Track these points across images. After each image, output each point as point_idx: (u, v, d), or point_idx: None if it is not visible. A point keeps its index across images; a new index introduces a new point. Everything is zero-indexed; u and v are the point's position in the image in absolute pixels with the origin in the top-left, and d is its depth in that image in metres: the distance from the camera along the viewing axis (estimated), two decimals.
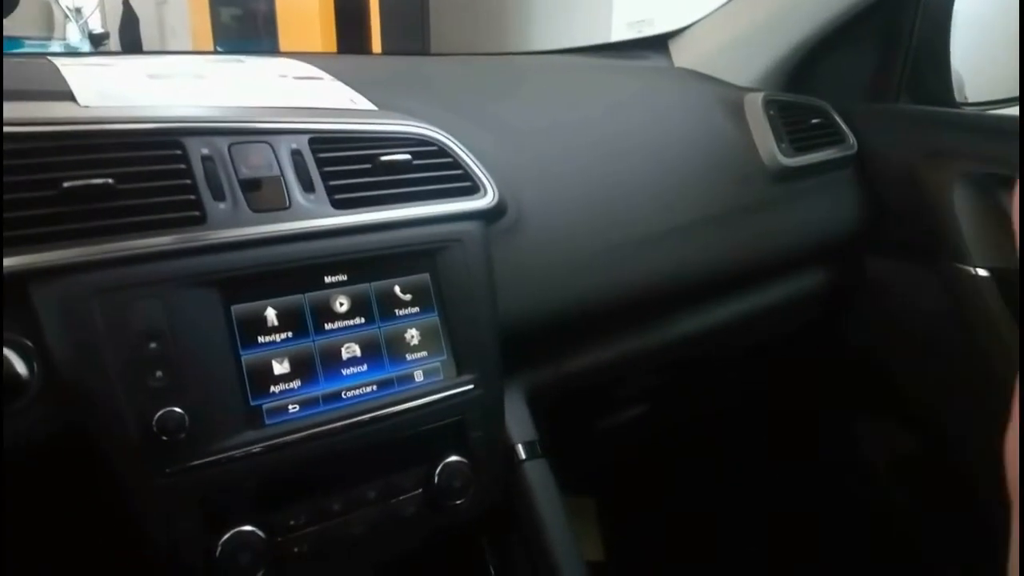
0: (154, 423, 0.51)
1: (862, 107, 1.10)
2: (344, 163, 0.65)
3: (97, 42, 4.67)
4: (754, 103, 0.98)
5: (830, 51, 1.13)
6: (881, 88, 1.13)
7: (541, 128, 0.84)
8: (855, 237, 1.04)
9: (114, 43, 5.11)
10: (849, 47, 1.13)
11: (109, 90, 0.65)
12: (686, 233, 0.84)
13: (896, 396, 1.09)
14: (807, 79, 1.14)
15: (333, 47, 3.81)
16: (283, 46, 4.29)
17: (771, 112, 0.98)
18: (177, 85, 0.71)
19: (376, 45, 3.74)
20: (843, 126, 1.06)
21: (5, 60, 0.90)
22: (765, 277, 0.95)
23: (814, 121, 1.03)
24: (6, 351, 0.45)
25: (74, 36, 4.52)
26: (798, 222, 0.96)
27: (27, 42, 4.19)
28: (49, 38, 4.42)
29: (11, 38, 4.08)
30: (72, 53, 3.50)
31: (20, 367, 0.45)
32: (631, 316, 0.82)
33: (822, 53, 1.13)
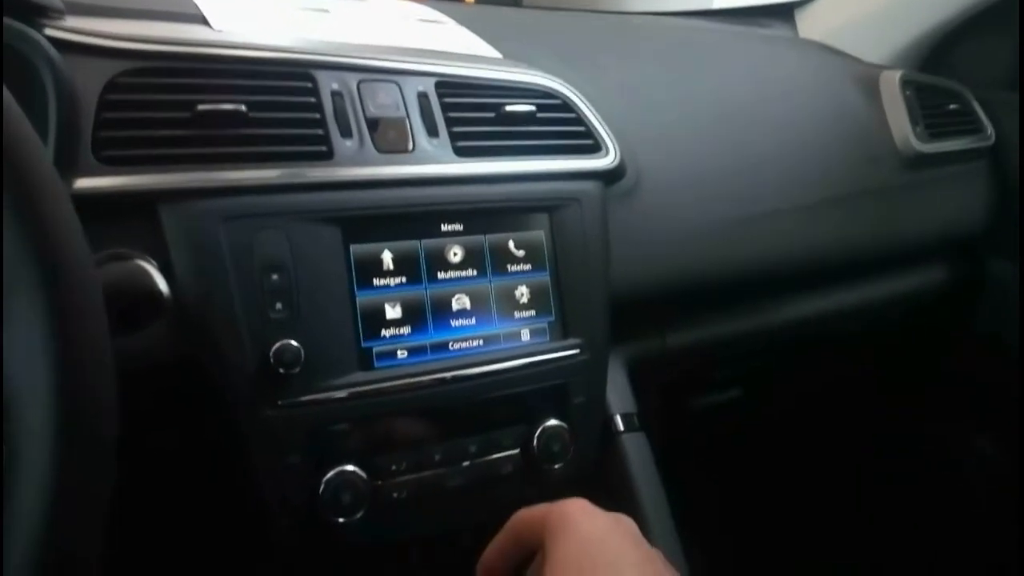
0: (271, 354, 0.51)
1: (1003, 96, 1.02)
2: (468, 110, 0.63)
3: None
4: (891, 82, 0.92)
5: (972, 33, 1.05)
6: None
7: (663, 91, 0.80)
8: (981, 234, 0.98)
9: None
10: (993, 31, 1.04)
11: (239, 15, 0.65)
12: (809, 213, 0.79)
13: (1001, 412, 1.02)
14: (944, 61, 1.07)
15: None
16: None
17: (907, 93, 0.91)
18: (303, 17, 0.70)
19: None
20: (981, 114, 0.99)
21: None
22: (881, 267, 0.90)
23: (952, 107, 0.96)
24: (149, 267, 0.45)
25: None
26: (924, 213, 0.90)
27: None
28: None
29: None
30: None
31: (161, 284, 0.44)
32: (742, 294, 0.78)
33: (963, 35, 1.05)
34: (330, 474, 0.53)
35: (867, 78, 0.94)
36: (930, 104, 0.93)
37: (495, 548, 0.46)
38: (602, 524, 0.41)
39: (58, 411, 0.27)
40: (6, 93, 0.32)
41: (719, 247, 0.74)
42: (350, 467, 0.54)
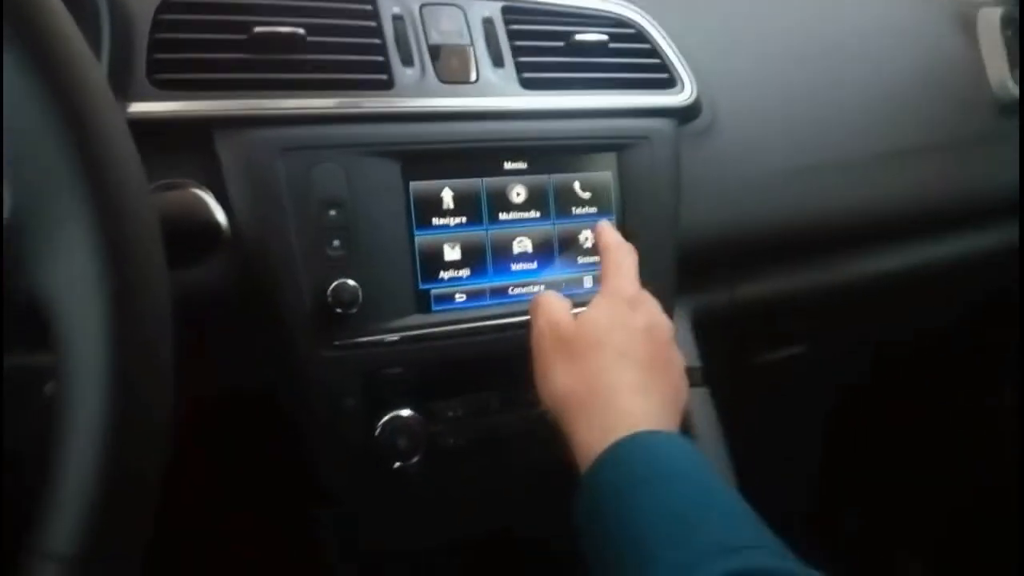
0: (329, 293, 0.49)
1: None
2: (536, 38, 0.59)
3: None
4: (990, 20, 0.84)
5: None
6: None
7: (744, 24, 0.74)
8: None
9: None
10: None
11: None
12: (896, 161, 0.74)
13: None
14: None
15: None
16: None
17: (1008, 33, 0.84)
18: None
19: None
20: None
21: None
22: (968, 222, 0.83)
23: None
24: (207, 196, 0.42)
25: None
26: (1017, 163, 0.83)
27: None
28: None
29: None
30: None
31: (219, 215, 0.42)
32: (817, 246, 0.73)
33: None
34: (386, 418, 0.52)
35: (963, 16, 0.86)
36: None
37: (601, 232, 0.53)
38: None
39: (113, 347, 0.25)
40: (62, 8, 0.29)
41: (796, 195, 0.69)
42: (406, 411, 0.52)
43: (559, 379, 0.45)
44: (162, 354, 0.27)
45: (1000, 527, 0.99)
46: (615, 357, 0.45)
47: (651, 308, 0.49)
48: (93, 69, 0.29)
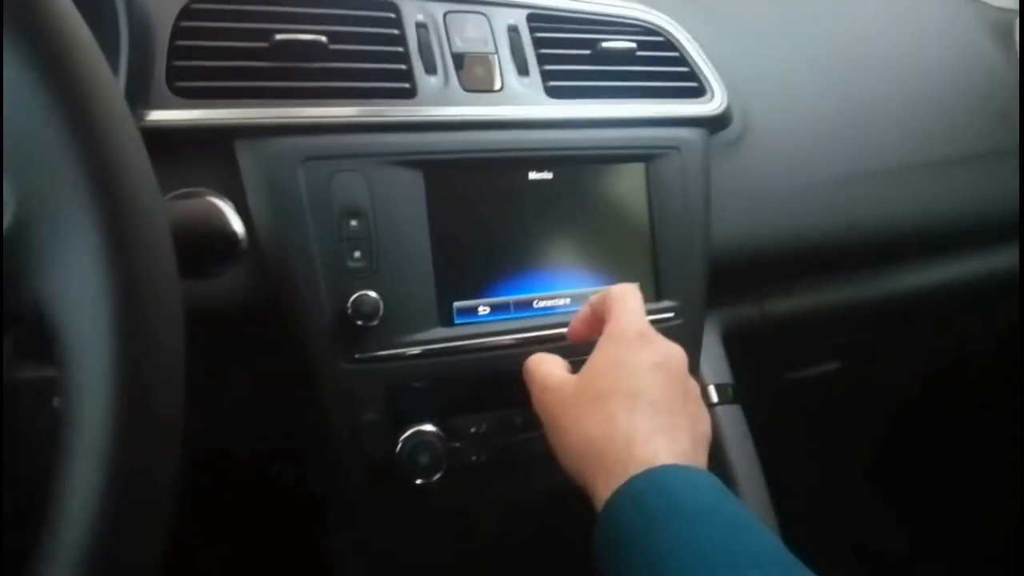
0: (349, 305, 0.47)
1: None
2: (562, 46, 0.58)
3: None
4: None
5: None
6: None
7: (776, 30, 0.73)
8: None
9: None
10: None
11: None
12: (929, 172, 0.71)
13: None
14: None
15: None
16: None
17: None
18: None
19: None
20: None
21: None
22: (1003, 237, 0.80)
23: None
24: (224, 205, 0.41)
25: None
26: None
27: None
28: None
29: None
30: None
31: (236, 225, 0.41)
32: (851, 260, 0.71)
33: None
34: (407, 433, 0.50)
35: (999, 25, 0.84)
36: None
37: (579, 319, 0.50)
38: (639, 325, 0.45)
39: (118, 364, 0.23)
40: (75, 12, 0.28)
41: (830, 205, 0.67)
42: (428, 427, 0.51)
43: (570, 442, 0.42)
44: (172, 371, 0.26)
45: None
46: (624, 402, 0.41)
47: (660, 341, 0.45)
48: (105, 75, 0.28)
